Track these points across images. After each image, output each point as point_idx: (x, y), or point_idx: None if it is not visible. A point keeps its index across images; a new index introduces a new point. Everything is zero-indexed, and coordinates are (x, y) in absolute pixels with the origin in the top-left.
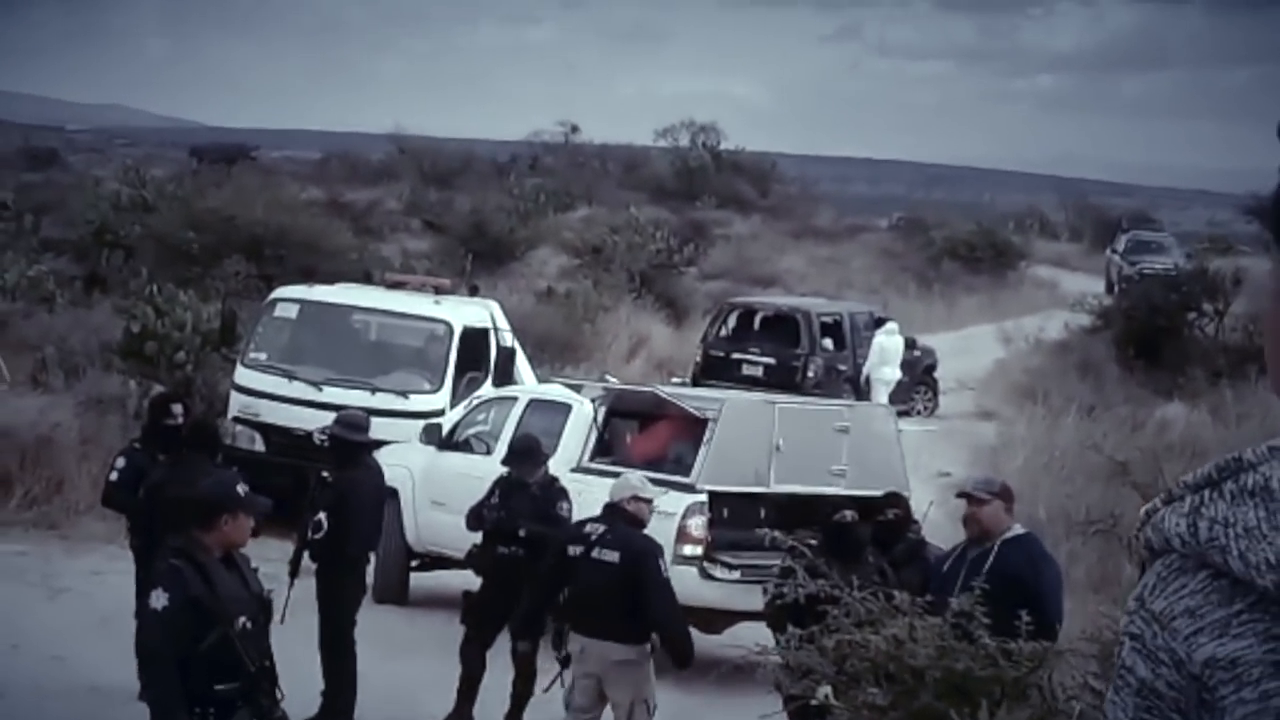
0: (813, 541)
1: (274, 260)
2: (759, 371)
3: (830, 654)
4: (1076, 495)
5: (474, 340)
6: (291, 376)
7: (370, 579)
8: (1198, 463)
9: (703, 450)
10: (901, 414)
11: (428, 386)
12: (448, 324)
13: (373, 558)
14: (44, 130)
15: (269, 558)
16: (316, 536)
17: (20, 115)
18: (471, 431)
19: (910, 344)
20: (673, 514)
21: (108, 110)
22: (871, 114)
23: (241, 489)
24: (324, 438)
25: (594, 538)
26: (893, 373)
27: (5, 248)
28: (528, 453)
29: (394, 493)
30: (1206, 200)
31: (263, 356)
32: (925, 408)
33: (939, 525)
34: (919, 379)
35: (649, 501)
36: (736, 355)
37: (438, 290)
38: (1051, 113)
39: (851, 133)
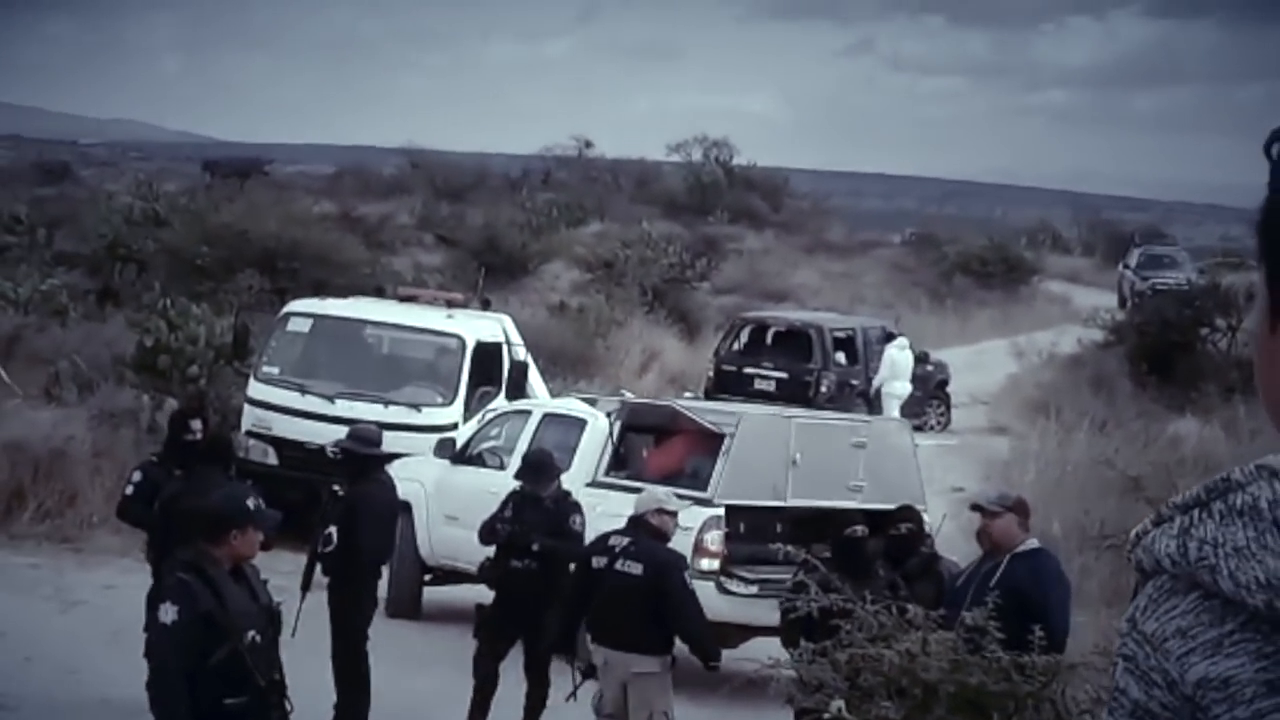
0: (827, 555)
1: (287, 274)
2: (771, 386)
3: (843, 668)
4: (1089, 510)
5: (486, 354)
6: (304, 390)
7: (383, 593)
8: (1210, 478)
9: (720, 464)
10: (914, 429)
11: (440, 400)
12: (460, 338)
13: (385, 571)
14: (57, 144)
15: (281, 570)
16: (327, 550)
17: (34, 130)
18: (485, 446)
19: (923, 359)
20: (690, 528)
21: (121, 125)
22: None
23: (251, 502)
24: (336, 451)
25: (618, 550)
26: (904, 387)
27: (19, 262)
28: (541, 467)
29: (407, 507)
30: (1219, 215)
31: (275, 370)
32: (938, 422)
33: (952, 539)
34: (931, 394)
35: (673, 514)
36: (749, 370)
37: (450, 304)
38: (1064, 128)
39: (864, 148)
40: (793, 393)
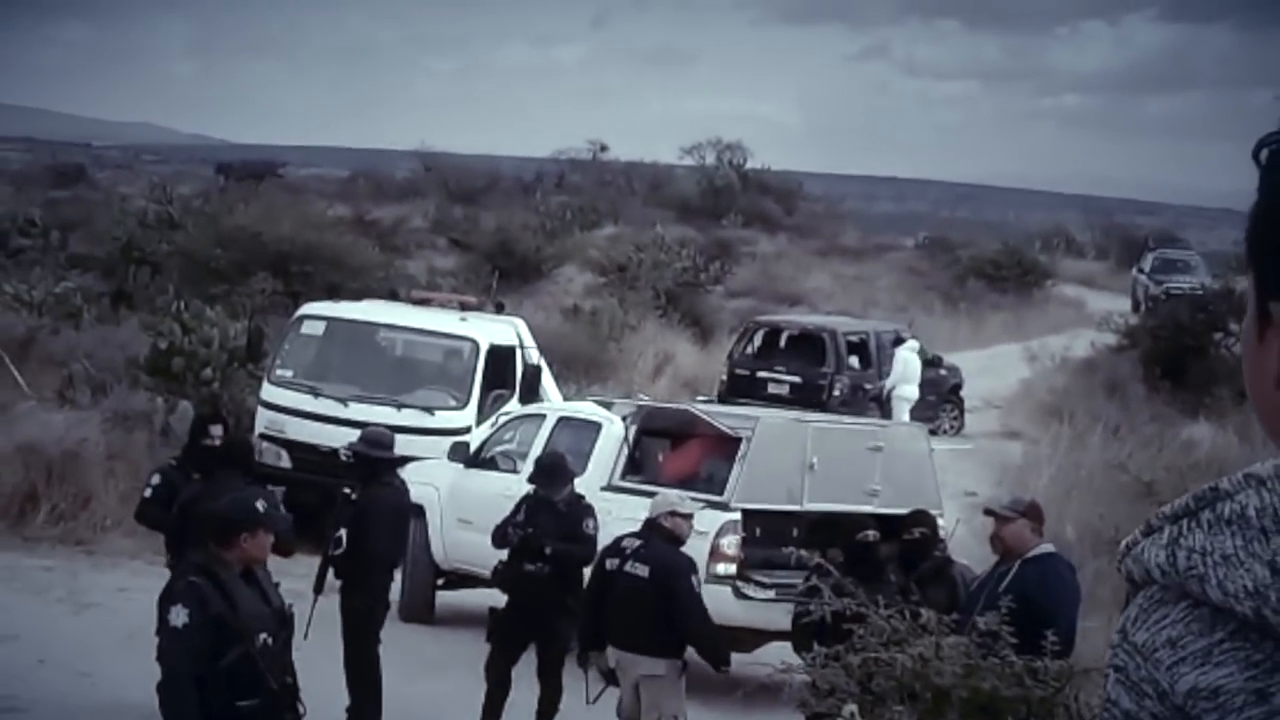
0: (840, 560)
1: (300, 277)
2: (785, 390)
3: (856, 672)
4: (1103, 515)
5: (500, 358)
6: (318, 393)
7: (396, 597)
8: (1199, 487)
9: (736, 469)
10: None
11: (454, 403)
12: (474, 341)
13: (398, 575)
14: (72, 147)
15: (295, 573)
16: (336, 553)
17: (48, 132)
18: (499, 449)
19: (936, 363)
20: (706, 533)
21: (135, 128)
22: (898, 133)
23: (261, 505)
24: (349, 454)
25: (629, 552)
26: (912, 390)
27: (33, 264)
28: (554, 470)
29: (421, 510)
30: (1233, 220)
31: (289, 373)
32: (951, 426)
33: (965, 544)
34: (944, 398)
35: (687, 517)
36: (762, 374)
37: (464, 307)
38: (1078, 132)
39: (878, 151)
40: (806, 397)
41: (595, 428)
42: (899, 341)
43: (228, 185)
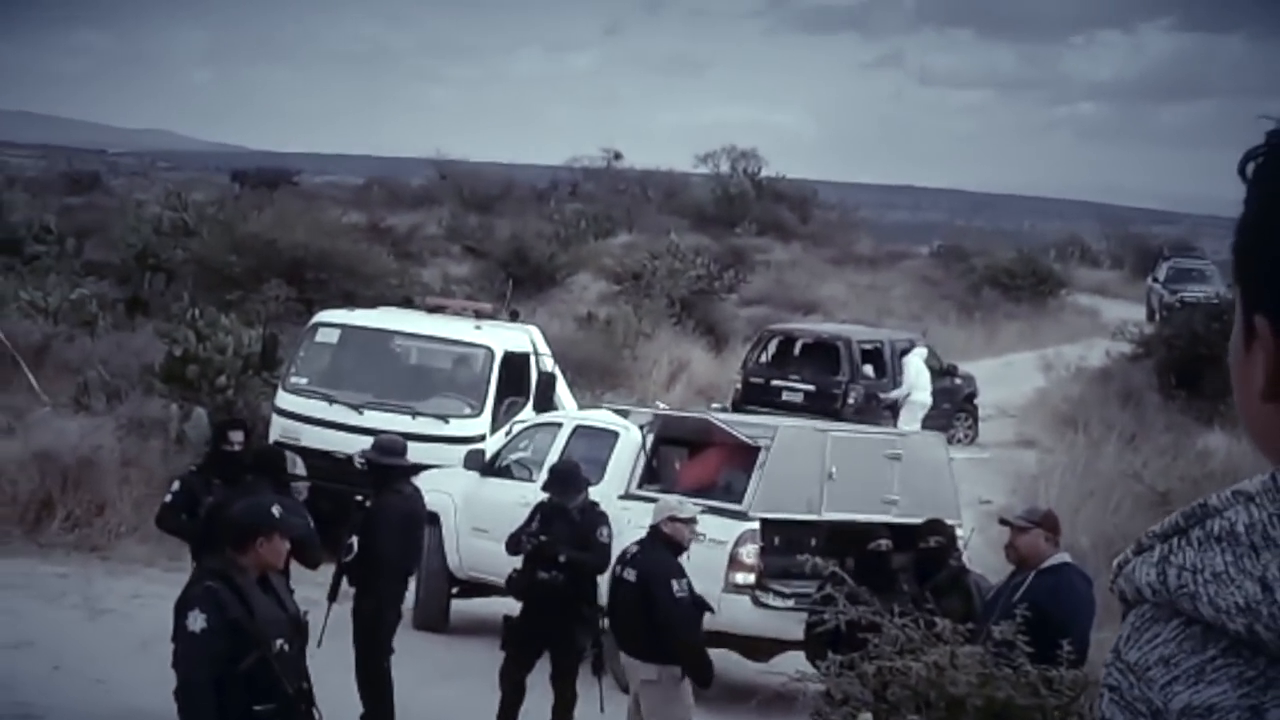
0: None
1: (315, 284)
2: (799, 398)
3: (871, 681)
4: (1118, 524)
5: (514, 365)
6: (332, 400)
7: (410, 605)
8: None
9: (755, 478)
10: None
11: (468, 411)
12: (488, 349)
13: (411, 583)
14: (87, 154)
15: (316, 580)
16: (347, 559)
17: (63, 139)
18: (515, 457)
19: (950, 371)
20: (724, 542)
21: (150, 135)
22: (912, 142)
23: (277, 510)
24: (363, 462)
25: (627, 558)
26: (926, 397)
27: (48, 271)
28: (567, 478)
29: (435, 519)
30: None
31: (304, 380)
32: (965, 435)
33: (980, 553)
34: (959, 406)
35: (687, 521)
36: (776, 382)
37: (478, 315)
38: (1093, 141)
39: (892, 160)
40: (820, 405)
41: (612, 436)
42: (907, 350)
43: (243, 192)
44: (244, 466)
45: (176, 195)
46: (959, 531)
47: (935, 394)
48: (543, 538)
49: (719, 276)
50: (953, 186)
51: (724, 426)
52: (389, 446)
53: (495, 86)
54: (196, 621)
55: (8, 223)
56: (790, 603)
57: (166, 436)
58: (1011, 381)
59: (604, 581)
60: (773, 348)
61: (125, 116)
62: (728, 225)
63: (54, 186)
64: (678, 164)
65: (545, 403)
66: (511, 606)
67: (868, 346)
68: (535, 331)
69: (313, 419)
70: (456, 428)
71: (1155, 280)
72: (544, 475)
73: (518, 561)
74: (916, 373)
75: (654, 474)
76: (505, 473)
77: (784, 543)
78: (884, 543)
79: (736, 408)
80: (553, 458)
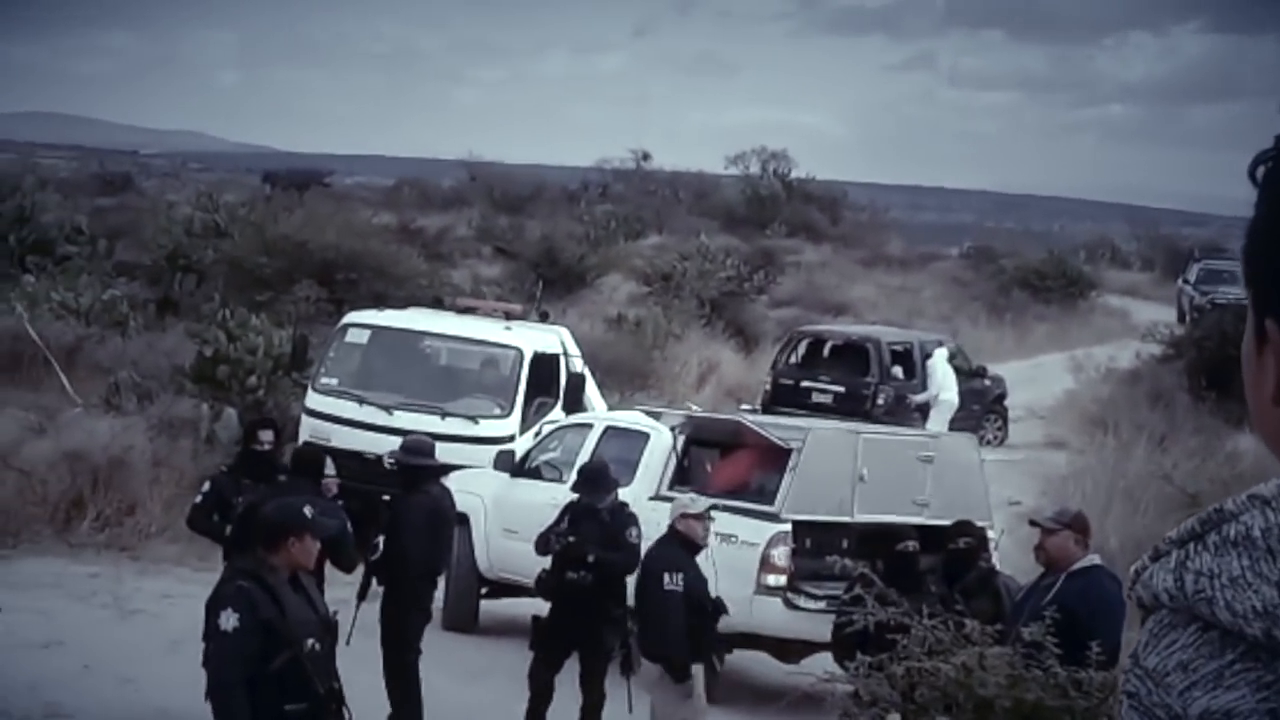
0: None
1: (345, 285)
2: (829, 399)
3: (899, 682)
4: (1147, 525)
5: (544, 366)
6: (362, 401)
7: (440, 605)
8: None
9: (786, 479)
10: None
11: (498, 412)
12: (518, 350)
13: (440, 583)
14: (118, 155)
15: (341, 580)
16: (373, 559)
17: (95, 140)
18: (545, 458)
19: (980, 373)
20: (756, 544)
21: (182, 136)
22: (942, 143)
23: (308, 510)
24: (393, 462)
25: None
26: (954, 396)
27: (80, 272)
28: (597, 478)
29: (465, 519)
30: None
31: (334, 381)
32: (994, 437)
33: (1009, 554)
34: (988, 408)
35: (698, 517)
36: (806, 383)
37: (508, 316)
38: (1123, 142)
39: (922, 161)
40: (850, 406)
41: (643, 437)
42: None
43: (274, 194)
44: (278, 467)
45: (208, 196)
46: (989, 533)
47: (964, 395)
48: (572, 538)
49: (749, 278)
50: (982, 188)
51: (755, 428)
52: (417, 447)
53: (524, 87)
54: (229, 620)
55: (40, 224)
56: (822, 604)
57: (197, 437)
58: (1041, 383)
59: (632, 582)
60: (802, 349)
61: (156, 118)
62: (758, 226)
63: (86, 188)
64: (707, 165)
65: (574, 404)
66: (540, 607)
67: (897, 348)
68: (565, 332)
69: (343, 419)
70: (486, 428)
71: (1186, 282)
72: (574, 476)
73: (547, 562)
74: (943, 374)
75: (685, 475)
76: (535, 474)
77: (815, 545)
78: (911, 544)
79: (766, 409)
80: (583, 458)
